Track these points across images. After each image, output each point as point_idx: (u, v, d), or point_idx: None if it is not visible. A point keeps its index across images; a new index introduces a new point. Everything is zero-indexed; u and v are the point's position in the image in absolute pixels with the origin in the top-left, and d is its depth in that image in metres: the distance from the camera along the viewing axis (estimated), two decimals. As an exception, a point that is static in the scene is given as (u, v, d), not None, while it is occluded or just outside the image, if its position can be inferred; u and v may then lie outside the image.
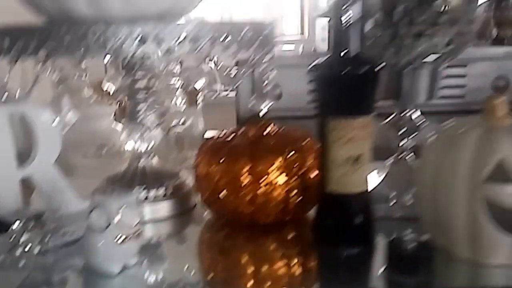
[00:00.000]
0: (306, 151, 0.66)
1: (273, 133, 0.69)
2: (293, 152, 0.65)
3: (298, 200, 0.65)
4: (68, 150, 1.02)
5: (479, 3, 0.68)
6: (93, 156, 1.04)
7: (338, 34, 0.56)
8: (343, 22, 0.55)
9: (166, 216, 0.72)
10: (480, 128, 0.53)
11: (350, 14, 0.55)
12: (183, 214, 0.74)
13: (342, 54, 0.56)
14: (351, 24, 0.55)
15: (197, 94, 1.05)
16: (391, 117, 0.72)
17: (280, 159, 0.64)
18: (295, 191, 0.64)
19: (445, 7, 0.61)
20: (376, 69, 0.57)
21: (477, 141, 0.52)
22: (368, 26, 0.65)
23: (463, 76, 1.67)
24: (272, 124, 0.70)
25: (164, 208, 0.72)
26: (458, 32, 0.63)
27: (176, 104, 1.05)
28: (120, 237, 0.51)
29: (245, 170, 0.63)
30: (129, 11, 0.60)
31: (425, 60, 0.66)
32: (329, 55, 0.58)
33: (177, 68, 0.82)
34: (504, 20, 1.94)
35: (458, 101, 1.68)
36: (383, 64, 0.60)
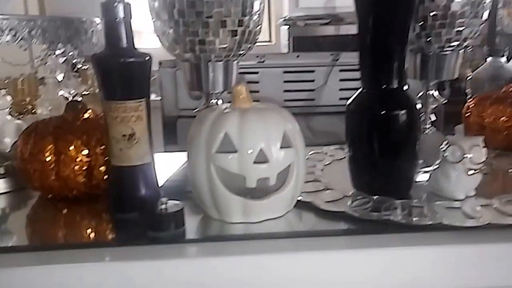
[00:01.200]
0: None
1: (88, 117, 0.78)
2: (94, 132, 0.74)
3: (100, 175, 0.74)
4: None
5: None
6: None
7: (110, 29, 0.66)
8: (113, 19, 0.65)
9: (3, 191, 0.83)
10: (218, 110, 0.64)
11: (119, 12, 0.65)
12: (20, 190, 0.83)
13: (116, 46, 0.66)
14: (121, 20, 0.65)
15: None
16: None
17: (80, 138, 0.73)
18: (96, 167, 0.74)
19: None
20: (144, 61, 0.67)
21: (213, 120, 0.63)
22: (158, 23, 0.75)
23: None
24: (90, 110, 0.80)
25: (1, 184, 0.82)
26: (230, 31, 0.73)
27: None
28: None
29: (48, 148, 0.73)
30: None
31: (214, 56, 0.76)
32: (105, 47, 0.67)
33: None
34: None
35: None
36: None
